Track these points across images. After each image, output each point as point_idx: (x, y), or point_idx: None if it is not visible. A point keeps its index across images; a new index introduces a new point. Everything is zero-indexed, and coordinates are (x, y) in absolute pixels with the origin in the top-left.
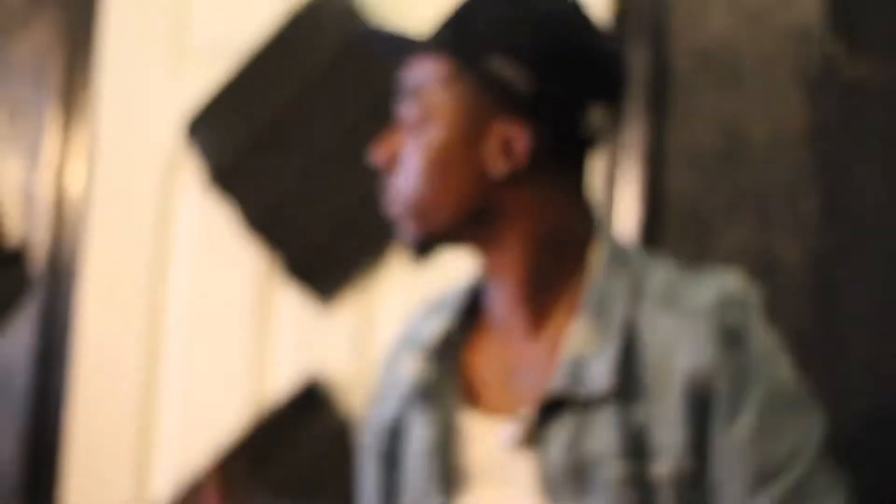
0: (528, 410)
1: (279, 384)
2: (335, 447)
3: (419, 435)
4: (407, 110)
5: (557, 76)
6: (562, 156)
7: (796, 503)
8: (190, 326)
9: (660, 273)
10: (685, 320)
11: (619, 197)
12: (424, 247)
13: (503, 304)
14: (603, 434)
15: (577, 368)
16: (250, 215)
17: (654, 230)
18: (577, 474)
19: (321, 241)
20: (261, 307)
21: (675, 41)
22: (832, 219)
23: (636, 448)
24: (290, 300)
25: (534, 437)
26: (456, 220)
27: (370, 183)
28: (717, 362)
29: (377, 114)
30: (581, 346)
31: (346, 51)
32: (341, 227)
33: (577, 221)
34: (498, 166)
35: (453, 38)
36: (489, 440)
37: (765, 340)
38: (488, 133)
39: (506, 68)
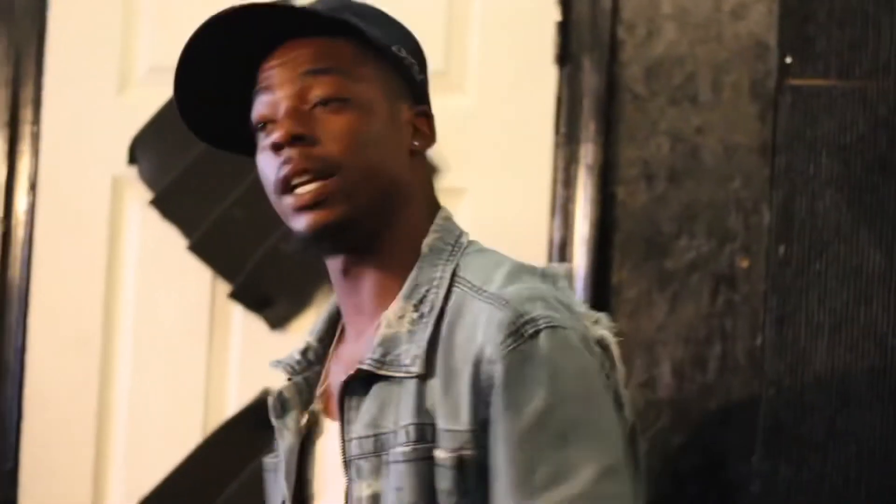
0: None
1: (233, 400)
2: None
3: (279, 447)
4: (313, 88)
5: (425, 70)
6: (432, 144)
7: None
8: (141, 345)
9: (475, 261)
10: (484, 305)
11: (572, 211)
12: (337, 230)
13: (360, 307)
14: (405, 408)
15: (390, 346)
16: (194, 238)
17: (607, 244)
18: (376, 449)
19: (268, 266)
20: (212, 325)
21: (626, 56)
22: (787, 229)
23: (424, 430)
24: (241, 317)
25: (342, 415)
26: (384, 193)
27: None
28: (501, 353)
29: None
30: (395, 326)
31: None
32: (284, 255)
33: (431, 209)
34: (414, 144)
35: (364, 24)
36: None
37: (557, 355)
38: (401, 111)
39: (406, 57)
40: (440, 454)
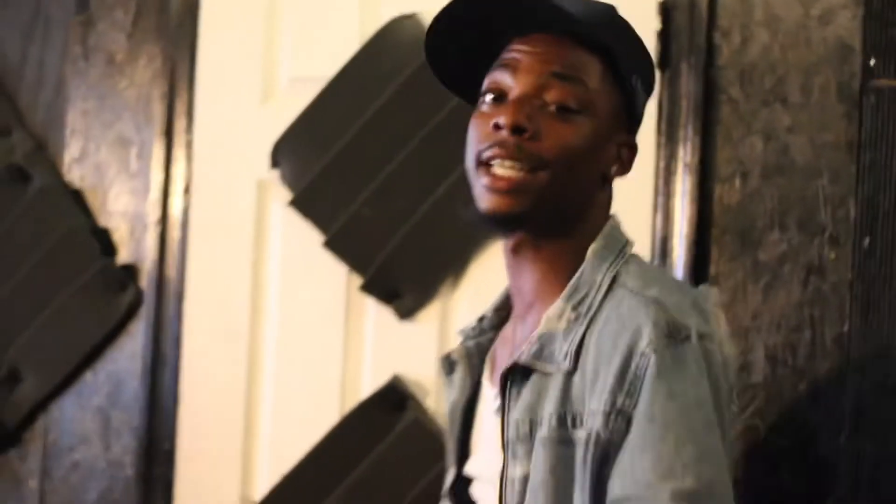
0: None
1: (366, 385)
2: (418, 439)
3: (447, 398)
4: (553, 89)
5: (646, 99)
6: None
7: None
8: (284, 335)
9: (636, 269)
10: (642, 305)
11: (672, 209)
12: (524, 217)
13: (524, 290)
14: (552, 399)
15: (546, 342)
16: (329, 235)
17: (705, 239)
18: (530, 433)
19: (397, 260)
20: (347, 317)
21: (722, 61)
22: (871, 222)
23: (568, 417)
24: (374, 308)
25: (504, 400)
26: (572, 200)
27: (447, 199)
28: (656, 347)
29: (447, 131)
30: (553, 324)
31: (416, 72)
32: (416, 244)
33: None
34: (612, 170)
35: (617, 46)
36: (489, 407)
37: (705, 361)
38: (614, 138)
39: (639, 91)
40: (580, 433)
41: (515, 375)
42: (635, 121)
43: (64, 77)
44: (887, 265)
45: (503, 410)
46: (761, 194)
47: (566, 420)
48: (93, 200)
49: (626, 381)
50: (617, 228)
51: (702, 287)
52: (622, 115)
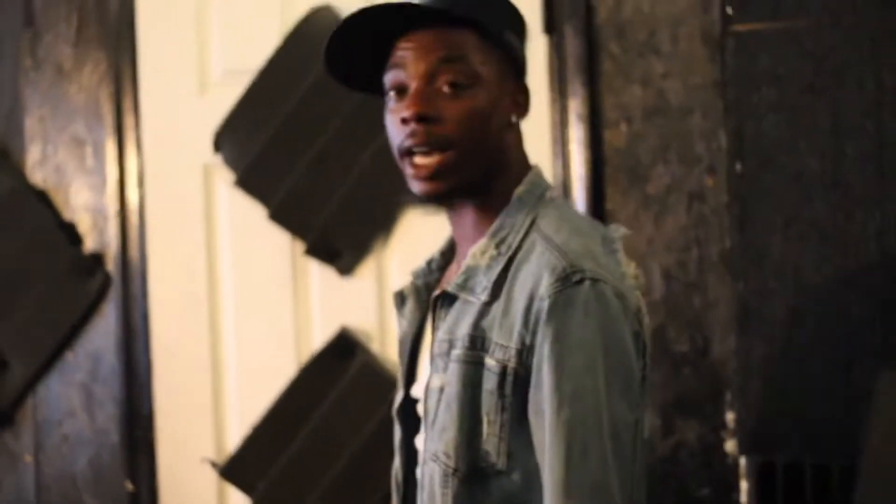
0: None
1: (317, 336)
2: (368, 380)
3: (398, 330)
4: (444, 73)
5: (524, 47)
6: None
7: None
8: (240, 300)
9: (553, 213)
10: (547, 251)
11: (569, 154)
12: (453, 191)
13: (464, 235)
14: (466, 323)
15: (470, 274)
16: (272, 208)
17: (599, 179)
18: (448, 351)
19: (334, 224)
20: (294, 279)
21: (600, 20)
22: (740, 149)
23: (477, 340)
24: (317, 269)
25: (433, 321)
26: (489, 161)
27: (373, 166)
28: (549, 292)
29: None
30: (477, 259)
31: None
32: (350, 209)
33: (522, 167)
34: (512, 117)
35: (477, 12)
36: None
37: (593, 302)
38: (505, 91)
39: (513, 40)
40: (490, 361)
41: (444, 300)
42: (521, 66)
43: (18, 87)
44: (757, 185)
45: (433, 329)
46: (645, 135)
47: (476, 342)
48: (56, 198)
49: (528, 322)
50: (540, 175)
51: (611, 226)
52: (507, 68)
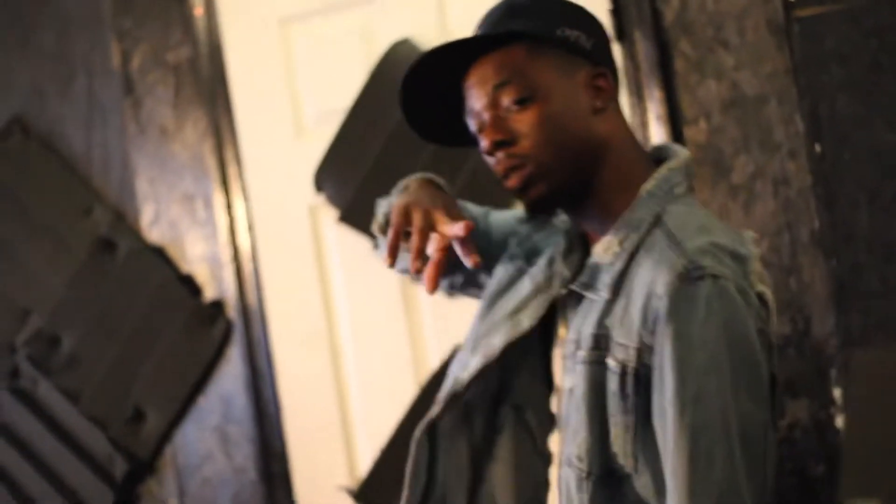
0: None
1: (433, 357)
2: None
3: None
4: (503, 96)
5: (597, 33)
6: (617, 94)
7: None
8: (357, 332)
9: (680, 212)
10: (668, 248)
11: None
12: (546, 204)
13: (593, 230)
14: (591, 322)
15: (594, 272)
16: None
17: None
18: (574, 351)
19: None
20: (405, 304)
21: (667, 22)
22: (817, 131)
23: (601, 339)
24: (424, 296)
25: (565, 321)
26: (577, 162)
27: (471, 185)
28: (668, 291)
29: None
30: (601, 256)
31: None
32: None
33: (640, 154)
34: (596, 104)
35: (527, 24)
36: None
37: (714, 300)
38: (579, 81)
39: (571, 34)
40: (611, 361)
41: (570, 299)
42: (591, 51)
43: (127, 153)
44: (838, 165)
45: (566, 329)
46: (724, 128)
47: (599, 341)
48: (173, 253)
49: (647, 321)
50: (675, 170)
51: (744, 232)
52: (570, 62)
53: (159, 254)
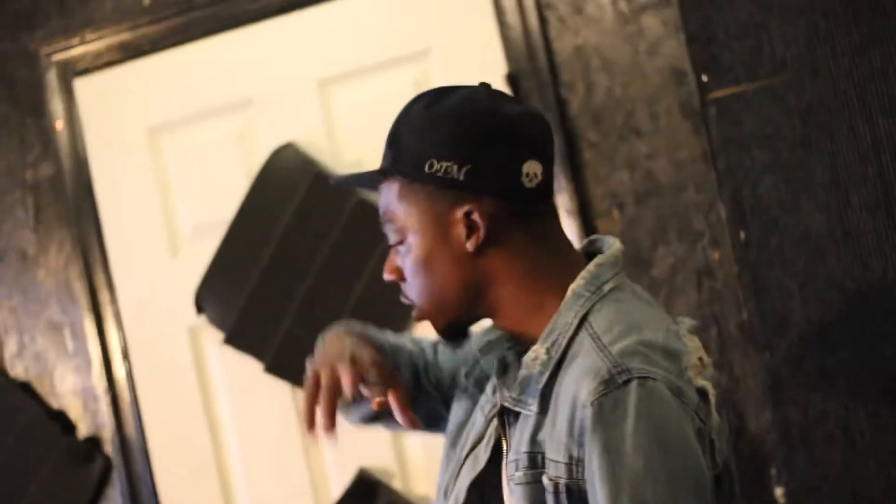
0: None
1: (335, 483)
2: None
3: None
4: (389, 233)
5: (483, 156)
6: (520, 214)
7: None
8: (249, 461)
9: (610, 307)
10: (593, 352)
11: None
12: (452, 334)
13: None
14: (525, 439)
15: (525, 384)
16: (267, 362)
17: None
18: (514, 472)
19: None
20: (302, 426)
21: (573, 111)
22: (741, 217)
23: (537, 457)
24: None
25: (505, 439)
26: (460, 303)
27: (364, 299)
28: (591, 399)
29: (352, 234)
30: (530, 366)
31: (308, 190)
32: None
33: (555, 261)
34: (470, 243)
35: (394, 160)
36: None
37: (643, 404)
38: (451, 220)
39: (440, 167)
40: (545, 479)
41: (510, 418)
42: (472, 181)
43: None
44: (764, 251)
45: (506, 447)
46: (639, 219)
47: (536, 462)
48: (41, 388)
49: (574, 433)
50: (603, 265)
51: (681, 321)
52: (443, 198)
53: (25, 389)
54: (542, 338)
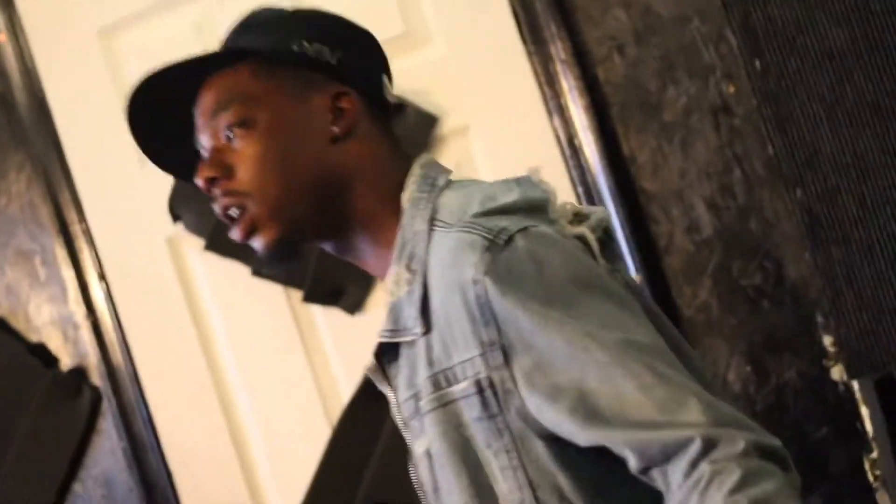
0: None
1: (344, 386)
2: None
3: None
4: (220, 123)
5: (353, 48)
6: (375, 118)
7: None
8: (248, 371)
9: (449, 197)
10: (454, 237)
11: (566, 107)
12: (282, 247)
13: (370, 268)
14: (421, 367)
15: (397, 312)
16: (254, 264)
17: (605, 122)
18: (416, 408)
19: (327, 262)
20: (301, 333)
21: None
22: (754, 43)
23: (440, 377)
24: (322, 314)
25: (388, 383)
26: (309, 199)
27: None
28: (483, 269)
29: None
30: (396, 291)
31: None
32: None
33: (397, 170)
34: (336, 127)
35: (254, 39)
36: None
37: (538, 249)
38: (316, 103)
39: (311, 47)
40: (458, 388)
41: (387, 355)
42: (340, 68)
43: None
44: (784, 77)
45: (392, 391)
46: (643, 60)
47: (440, 382)
48: (16, 322)
49: (475, 315)
50: (429, 165)
51: (527, 175)
52: (307, 82)
53: (1, 325)
54: (396, 257)
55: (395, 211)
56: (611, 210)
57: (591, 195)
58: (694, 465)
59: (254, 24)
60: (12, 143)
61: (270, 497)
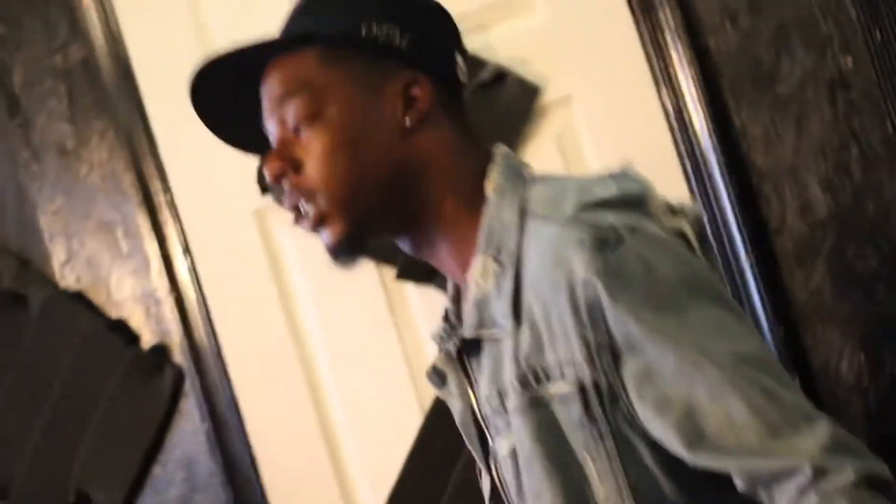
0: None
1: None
2: None
3: (454, 412)
4: (288, 113)
5: (425, 27)
6: (449, 103)
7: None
8: (337, 354)
9: (542, 189)
10: (558, 231)
11: (675, 77)
12: (353, 241)
13: (453, 269)
14: (508, 364)
15: (483, 306)
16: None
17: (718, 95)
18: (502, 405)
19: None
20: (392, 310)
21: None
22: (874, 14)
23: (529, 376)
24: (416, 293)
25: (469, 380)
26: (382, 192)
27: None
28: (595, 270)
29: None
30: (482, 284)
31: None
32: None
33: (475, 158)
34: (408, 118)
35: (317, 24)
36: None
37: (649, 252)
38: (386, 92)
39: (381, 31)
40: (556, 390)
41: (469, 351)
42: (414, 50)
43: (22, 185)
44: None
45: (471, 388)
46: (757, 29)
47: (529, 380)
48: (97, 297)
49: (583, 317)
50: (508, 155)
51: (621, 168)
52: (377, 69)
53: (79, 300)
54: (481, 247)
55: (472, 203)
56: (720, 187)
57: (698, 171)
58: (802, 492)
59: (316, 3)
60: (95, 110)
61: (358, 482)
